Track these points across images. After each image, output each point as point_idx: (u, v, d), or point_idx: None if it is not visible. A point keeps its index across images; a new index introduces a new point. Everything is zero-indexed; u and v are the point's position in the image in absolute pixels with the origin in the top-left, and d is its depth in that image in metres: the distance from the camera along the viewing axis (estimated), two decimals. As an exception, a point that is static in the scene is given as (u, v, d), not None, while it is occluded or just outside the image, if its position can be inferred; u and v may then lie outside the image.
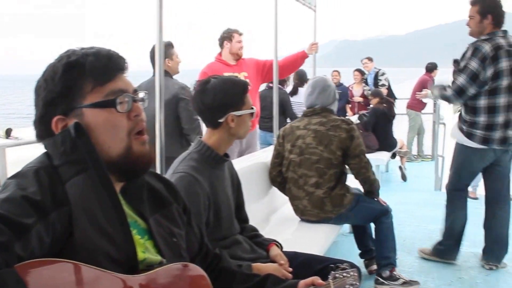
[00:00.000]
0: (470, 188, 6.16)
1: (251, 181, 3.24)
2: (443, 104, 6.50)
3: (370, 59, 9.10)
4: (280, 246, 2.29)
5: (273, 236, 2.41)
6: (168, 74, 3.70)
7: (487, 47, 3.47)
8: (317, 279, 1.45)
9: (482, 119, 3.59)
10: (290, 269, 2.10)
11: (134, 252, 1.13)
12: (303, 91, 7.40)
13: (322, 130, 3.26)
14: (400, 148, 7.49)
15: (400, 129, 10.28)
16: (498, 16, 3.59)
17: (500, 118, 3.56)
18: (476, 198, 6.04)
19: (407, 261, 4.00)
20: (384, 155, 6.85)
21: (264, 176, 3.51)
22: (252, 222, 2.44)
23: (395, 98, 8.68)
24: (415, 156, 9.12)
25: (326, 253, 3.17)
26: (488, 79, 3.49)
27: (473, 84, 3.51)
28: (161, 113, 2.45)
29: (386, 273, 3.38)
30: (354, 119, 7.28)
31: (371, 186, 3.36)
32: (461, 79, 3.54)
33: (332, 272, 1.46)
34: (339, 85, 8.94)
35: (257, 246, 2.23)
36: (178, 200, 1.40)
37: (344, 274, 1.45)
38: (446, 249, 3.97)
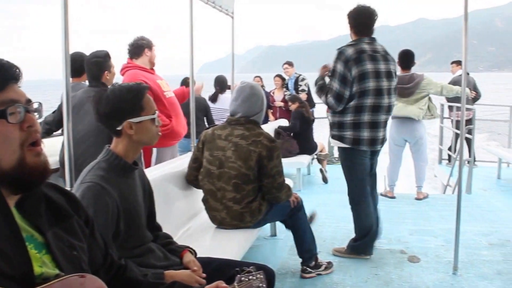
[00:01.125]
0: (387, 188, 6.45)
1: (167, 188, 3.20)
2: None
3: (290, 64, 9.16)
4: (194, 252, 2.29)
5: (190, 243, 2.41)
6: (106, 86, 3.65)
7: (350, 51, 3.71)
8: (221, 283, 1.46)
9: (349, 118, 3.80)
10: (204, 275, 2.09)
11: (30, 267, 1.09)
12: (222, 97, 7.46)
13: (243, 145, 3.17)
14: (320, 151, 7.67)
15: (321, 133, 10.52)
16: (356, 25, 3.86)
17: (366, 117, 3.77)
18: (393, 197, 6.31)
19: (326, 261, 4.10)
20: (305, 158, 6.99)
21: (181, 183, 3.46)
22: (169, 229, 2.42)
23: (314, 104, 8.86)
24: (336, 159, 9.36)
25: (246, 257, 3.20)
26: (354, 79, 3.69)
27: (346, 86, 3.72)
28: (68, 122, 2.39)
29: (312, 263, 3.68)
30: (274, 125, 7.37)
31: (278, 203, 3.39)
32: (336, 85, 3.75)
33: (238, 275, 1.48)
34: (260, 91, 8.98)
35: (170, 253, 2.21)
36: (80, 212, 1.37)
37: (250, 277, 1.48)
38: (360, 245, 4.13)
